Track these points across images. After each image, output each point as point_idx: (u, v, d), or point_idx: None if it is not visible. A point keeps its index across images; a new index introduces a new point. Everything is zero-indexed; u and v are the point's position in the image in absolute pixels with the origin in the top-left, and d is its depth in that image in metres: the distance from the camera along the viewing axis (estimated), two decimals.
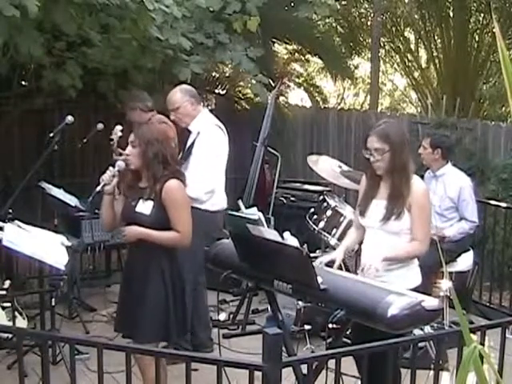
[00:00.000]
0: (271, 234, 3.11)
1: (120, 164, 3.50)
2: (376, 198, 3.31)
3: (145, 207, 3.42)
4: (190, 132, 4.59)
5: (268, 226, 3.25)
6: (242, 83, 8.48)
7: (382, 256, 3.19)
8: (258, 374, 2.34)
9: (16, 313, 4.42)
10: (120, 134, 4.92)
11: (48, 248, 3.82)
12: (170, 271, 3.45)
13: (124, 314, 3.55)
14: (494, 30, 9.33)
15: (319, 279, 2.92)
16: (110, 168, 3.50)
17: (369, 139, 3.25)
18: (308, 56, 10.26)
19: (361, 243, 3.51)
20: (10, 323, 4.33)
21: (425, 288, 3.31)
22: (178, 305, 3.46)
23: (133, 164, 3.44)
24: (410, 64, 11.78)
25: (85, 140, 5.37)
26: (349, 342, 3.46)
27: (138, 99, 5.09)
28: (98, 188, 3.49)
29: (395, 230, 3.23)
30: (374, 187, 3.33)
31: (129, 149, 3.46)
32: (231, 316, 5.42)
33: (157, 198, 3.39)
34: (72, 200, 4.93)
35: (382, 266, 3.19)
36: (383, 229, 3.25)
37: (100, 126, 5.20)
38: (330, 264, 3.33)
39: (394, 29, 11.42)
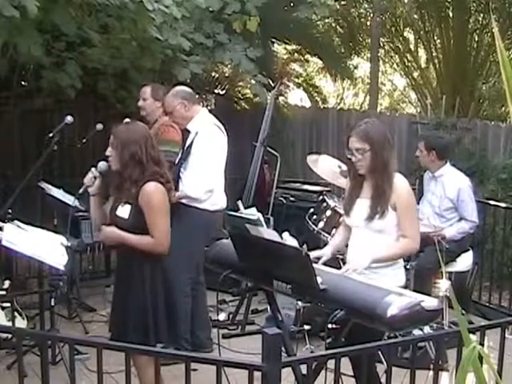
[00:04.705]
0: (270, 235, 3.11)
1: (101, 165, 3.44)
2: (360, 197, 3.34)
3: (123, 211, 3.33)
4: (188, 132, 4.58)
5: (267, 226, 3.25)
6: (241, 83, 8.48)
7: (370, 257, 3.21)
8: (257, 374, 2.34)
9: (15, 313, 4.42)
10: None
11: (47, 248, 3.82)
12: (153, 275, 3.34)
13: (113, 315, 3.54)
14: (493, 31, 9.32)
15: (319, 279, 2.92)
16: (92, 169, 3.46)
17: (350, 139, 3.28)
18: (307, 56, 10.25)
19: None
20: (10, 323, 4.33)
21: (424, 288, 3.31)
22: (162, 309, 3.34)
23: (113, 165, 3.37)
24: (409, 64, 11.77)
25: (84, 140, 5.36)
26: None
27: (154, 87, 5.03)
28: (81, 191, 3.50)
29: (379, 229, 3.25)
30: (357, 187, 3.36)
31: (109, 149, 3.37)
32: (231, 316, 5.42)
33: (134, 201, 3.30)
34: (72, 200, 4.92)
35: (369, 265, 3.20)
36: (368, 227, 3.28)
37: (99, 126, 5.19)
38: (315, 260, 3.32)
39: (393, 29, 11.41)
